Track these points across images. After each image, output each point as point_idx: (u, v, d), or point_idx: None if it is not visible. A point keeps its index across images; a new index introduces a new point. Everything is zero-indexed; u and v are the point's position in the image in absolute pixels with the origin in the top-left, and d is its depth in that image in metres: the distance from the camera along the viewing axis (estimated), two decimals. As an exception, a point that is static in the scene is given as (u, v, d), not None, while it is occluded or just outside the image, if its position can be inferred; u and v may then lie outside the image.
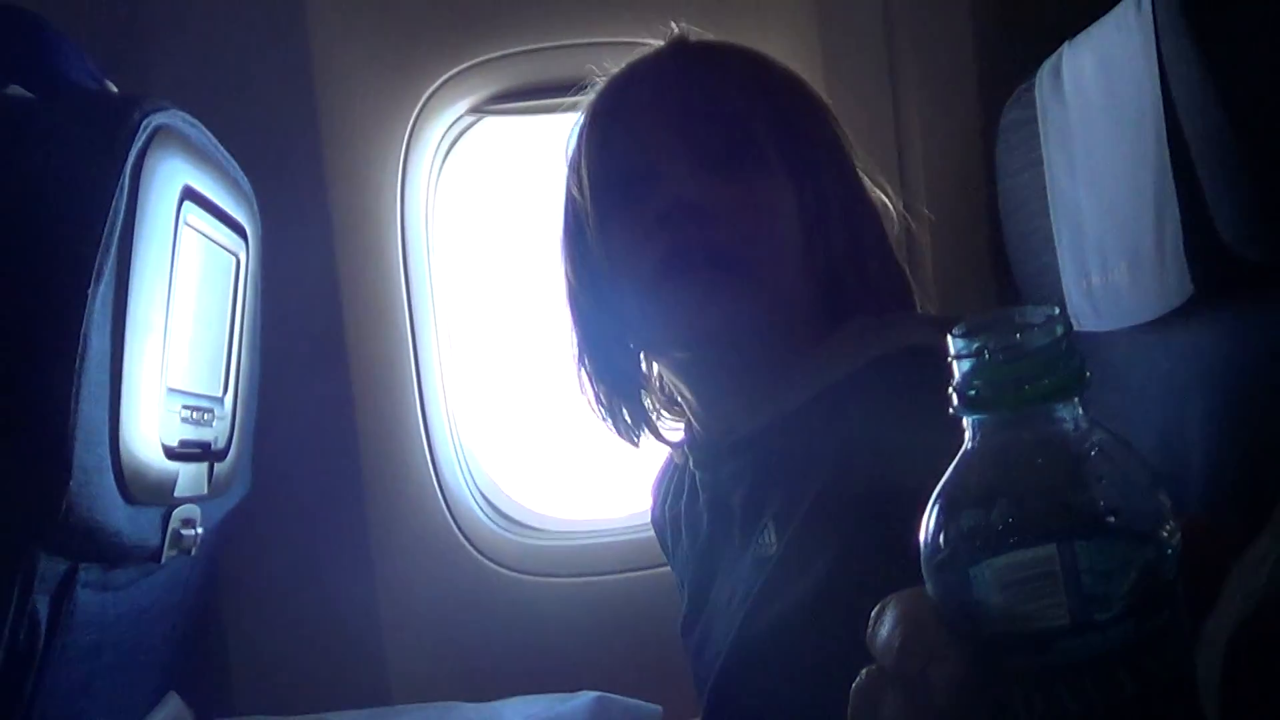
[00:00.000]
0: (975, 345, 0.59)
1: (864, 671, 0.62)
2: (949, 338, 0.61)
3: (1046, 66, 1.63)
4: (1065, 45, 1.58)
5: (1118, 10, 1.39)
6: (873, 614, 0.63)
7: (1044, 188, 1.65)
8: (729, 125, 1.25)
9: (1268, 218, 1.21)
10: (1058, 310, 0.60)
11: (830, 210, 1.27)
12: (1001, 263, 1.91)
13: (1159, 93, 1.30)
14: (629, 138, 1.28)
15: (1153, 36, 1.29)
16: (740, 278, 1.22)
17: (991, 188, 1.90)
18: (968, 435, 0.61)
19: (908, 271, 1.36)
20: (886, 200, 1.36)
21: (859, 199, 1.32)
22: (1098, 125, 1.48)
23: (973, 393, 0.59)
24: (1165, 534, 0.58)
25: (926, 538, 0.60)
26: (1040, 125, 1.65)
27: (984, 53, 2.02)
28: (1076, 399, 0.59)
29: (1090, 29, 1.50)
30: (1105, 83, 1.45)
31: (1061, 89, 1.57)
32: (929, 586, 0.61)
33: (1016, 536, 0.57)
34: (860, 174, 1.34)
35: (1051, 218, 1.64)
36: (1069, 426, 0.59)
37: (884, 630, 0.61)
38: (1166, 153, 1.30)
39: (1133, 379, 1.47)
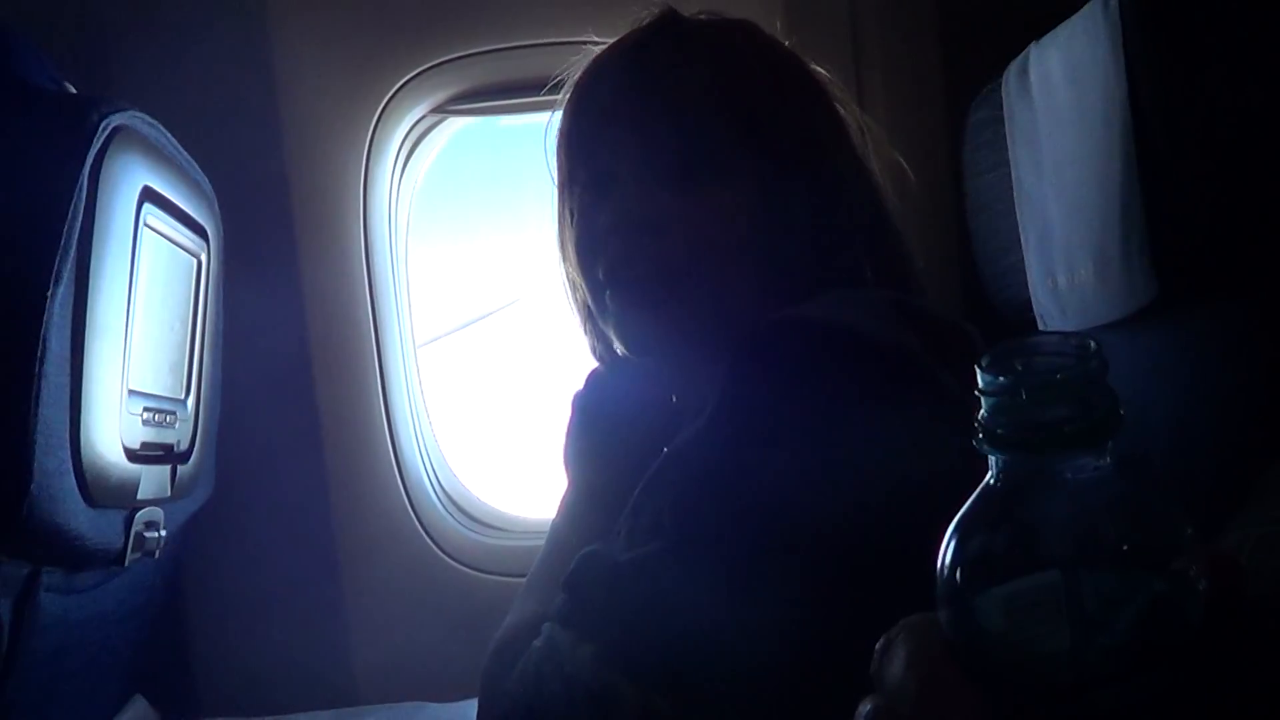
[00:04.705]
0: (1004, 383, 0.55)
1: (870, 705, 0.60)
2: (976, 369, 0.58)
3: (1013, 66, 1.63)
4: (1032, 45, 1.58)
5: (1085, 11, 1.39)
6: (879, 644, 0.60)
7: (1010, 187, 1.65)
8: (688, 135, 1.22)
9: (1233, 219, 1.21)
10: (1093, 344, 0.55)
11: (798, 210, 1.24)
12: (967, 262, 1.91)
13: (1126, 93, 1.30)
14: (588, 143, 1.27)
15: (1120, 37, 1.30)
16: (687, 289, 1.20)
17: (958, 187, 1.90)
18: (990, 468, 0.58)
19: (912, 254, 1.33)
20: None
21: (848, 187, 1.28)
22: (1064, 125, 1.48)
23: (1000, 431, 0.56)
24: (1183, 570, 0.55)
25: (941, 570, 0.58)
26: (1007, 125, 1.65)
27: (951, 52, 2.03)
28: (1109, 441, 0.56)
29: (1057, 29, 1.50)
30: (1072, 83, 1.45)
31: (1028, 89, 1.57)
32: (941, 618, 0.58)
33: (1022, 563, 0.55)
34: (861, 156, 1.32)
35: (1018, 217, 1.64)
36: (1095, 460, 0.56)
37: (895, 668, 0.58)
38: (1133, 153, 1.30)
39: (1098, 379, 1.47)
